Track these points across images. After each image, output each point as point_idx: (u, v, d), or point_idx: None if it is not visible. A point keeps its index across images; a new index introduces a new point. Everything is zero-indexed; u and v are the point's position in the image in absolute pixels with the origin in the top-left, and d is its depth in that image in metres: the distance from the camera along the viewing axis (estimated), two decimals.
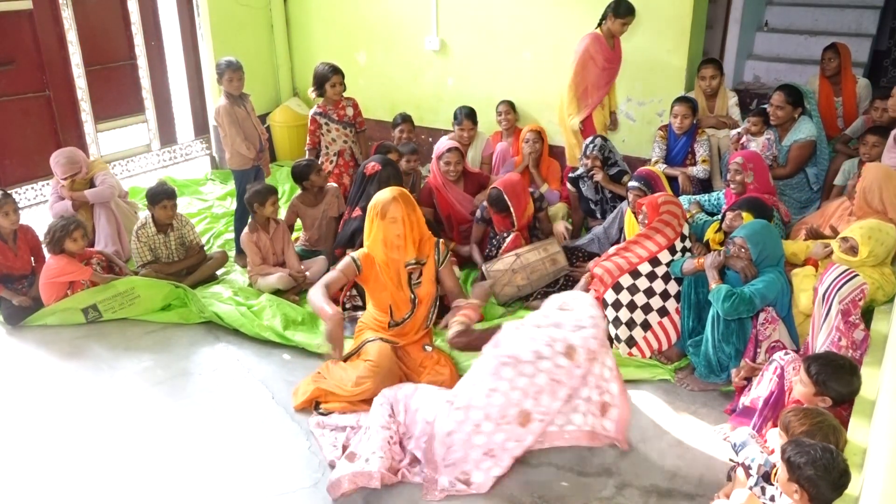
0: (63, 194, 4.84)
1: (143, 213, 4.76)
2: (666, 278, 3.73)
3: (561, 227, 4.62)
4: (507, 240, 4.38)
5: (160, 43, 6.33)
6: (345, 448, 3.10)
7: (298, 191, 4.94)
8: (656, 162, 5.00)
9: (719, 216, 4.20)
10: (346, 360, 3.57)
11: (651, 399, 3.46)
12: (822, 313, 3.08)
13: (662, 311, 3.73)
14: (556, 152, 5.57)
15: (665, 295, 3.73)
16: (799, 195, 4.82)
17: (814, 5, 7.01)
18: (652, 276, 3.72)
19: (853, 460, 2.38)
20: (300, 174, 4.80)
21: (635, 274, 3.72)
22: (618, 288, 3.73)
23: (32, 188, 5.55)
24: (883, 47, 7.31)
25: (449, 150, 4.85)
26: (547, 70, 5.71)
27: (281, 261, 4.63)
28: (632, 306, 3.72)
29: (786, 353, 2.98)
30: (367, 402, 3.35)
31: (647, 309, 3.72)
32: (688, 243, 3.83)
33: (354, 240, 4.23)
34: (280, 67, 7.08)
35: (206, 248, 5.04)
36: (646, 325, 3.72)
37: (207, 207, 5.96)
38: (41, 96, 5.51)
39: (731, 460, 2.83)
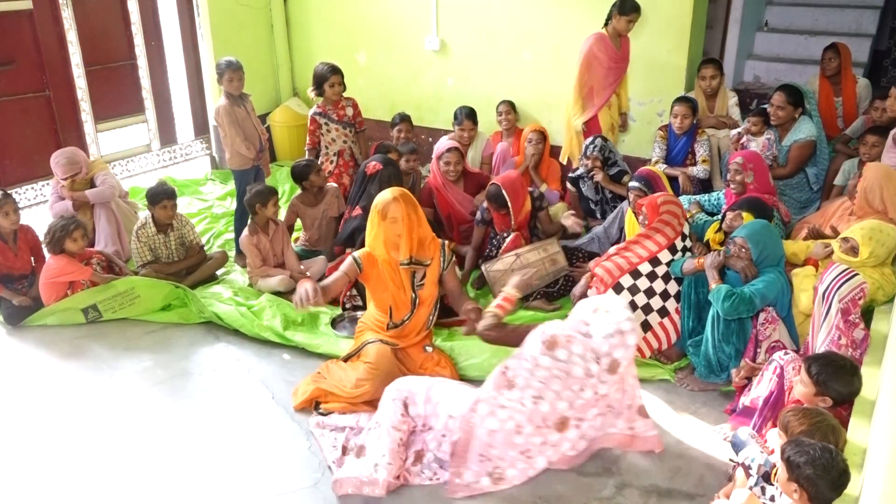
0: (63, 194, 4.84)
1: (143, 213, 4.76)
2: (666, 278, 3.73)
3: (570, 220, 4.57)
4: (507, 240, 4.38)
5: (160, 43, 6.33)
6: (344, 449, 3.10)
7: (298, 191, 4.94)
8: (656, 162, 5.00)
9: (719, 216, 4.20)
10: (345, 360, 3.57)
11: (651, 399, 3.46)
12: (822, 312, 3.08)
13: (663, 312, 3.73)
14: (557, 152, 5.57)
15: (665, 295, 3.73)
16: (799, 195, 4.82)
17: (814, 5, 7.01)
18: (652, 276, 3.72)
19: (853, 460, 2.37)
20: (300, 174, 4.80)
21: (636, 274, 3.72)
22: (618, 288, 3.73)
23: (32, 188, 5.55)
24: (883, 47, 7.31)
25: (449, 150, 4.85)
26: (547, 70, 5.71)
27: (281, 262, 4.63)
28: (632, 306, 3.72)
29: (785, 353, 2.98)
30: (367, 403, 3.36)
31: (647, 309, 3.72)
32: (688, 242, 3.83)
33: (354, 238, 4.23)
34: (280, 67, 7.09)
35: (206, 248, 5.04)
36: (646, 326, 3.72)
37: (207, 207, 5.96)
38: (41, 96, 5.52)
39: (731, 460, 2.84)
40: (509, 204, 4.31)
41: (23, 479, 3.03)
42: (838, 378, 2.61)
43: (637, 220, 4.05)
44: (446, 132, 5.70)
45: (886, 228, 3.52)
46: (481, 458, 2.89)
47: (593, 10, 5.34)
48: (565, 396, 2.86)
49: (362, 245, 4.18)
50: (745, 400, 3.13)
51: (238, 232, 4.93)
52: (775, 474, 2.39)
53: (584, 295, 3.92)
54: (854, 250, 3.48)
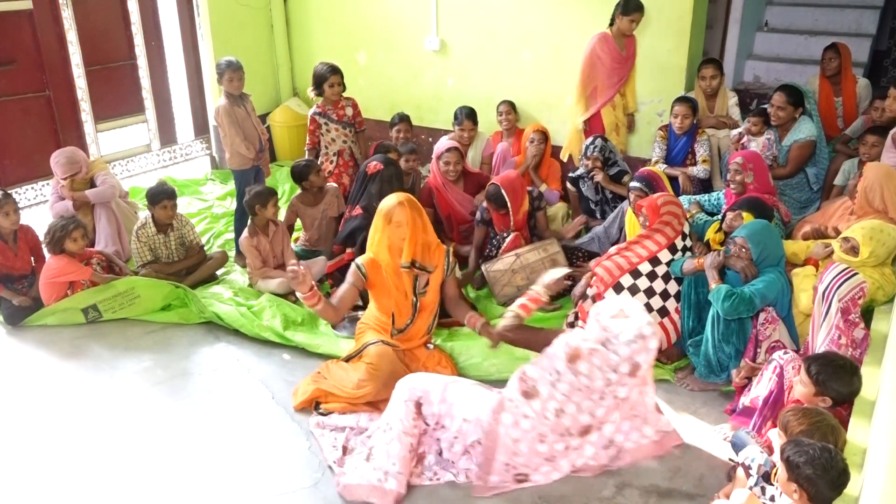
0: (63, 194, 4.84)
1: (143, 213, 4.76)
2: (666, 278, 3.73)
3: (574, 224, 4.57)
4: (507, 240, 4.38)
5: (160, 43, 6.33)
6: (345, 449, 3.10)
7: (298, 191, 4.94)
8: (656, 162, 5.01)
9: (719, 216, 4.20)
10: (347, 360, 3.57)
11: None
12: (821, 312, 3.08)
13: (662, 311, 3.73)
14: (558, 152, 5.58)
15: (665, 295, 3.73)
16: (799, 195, 4.82)
17: (814, 5, 7.01)
18: (652, 276, 3.72)
19: (853, 460, 2.37)
20: (299, 174, 4.80)
21: (636, 273, 3.72)
22: (618, 287, 3.73)
23: (32, 188, 5.55)
24: (883, 47, 7.31)
25: (448, 149, 4.86)
26: (547, 70, 5.71)
27: (281, 263, 4.62)
28: None
29: (785, 353, 2.98)
30: (368, 404, 3.36)
31: (647, 309, 3.71)
32: (688, 242, 3.83)
33: (354, 237, 4.23)
34: (280, 67, 7.09)
35: (206, 248, 5.04)
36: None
37: (207, 207, 5.96)
38: (41, 96, 5.52)
39: (731, 460, 2.84)
40: (508, 204, 4.31)
41: (23, 479, 3.03)
42: (838, 378, 2.62)
43: (638, 220, 4.05)
44: (446, 132, 5.70)
45: (887, 228, 3.52)
46: (507, 466, 2.89)
47: (593, 10, 5.35)
48: (586, 407, 2.87)
49: (363, 244, 4.19)
50: (744, 400, 3.13)
51: (238, 232, 4.93)
52: (775, 474, 2.39)
53: (584, 295, 3.93)
54: (854, 250, 3.48)
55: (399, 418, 2.91)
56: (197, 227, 5.24)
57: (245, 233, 4.53)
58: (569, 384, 2.84)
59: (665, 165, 4.95)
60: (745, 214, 3.80)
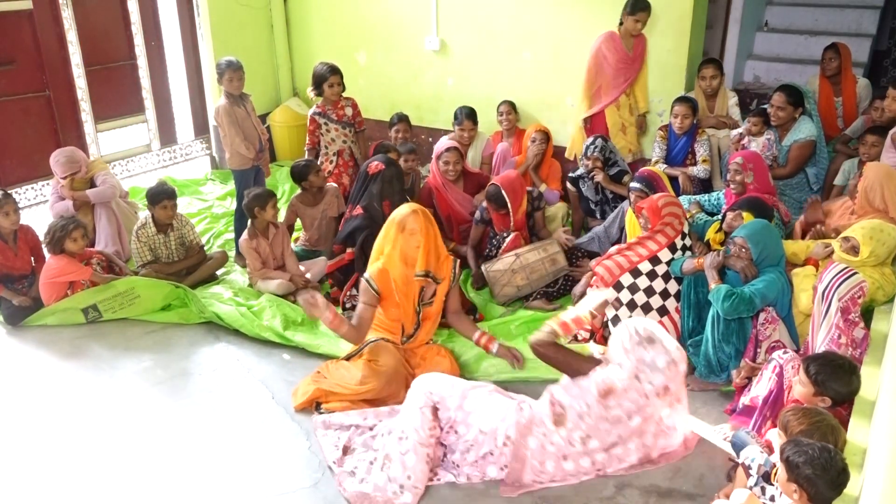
0: (64, 194, 4.85)
1: (143, 213, 4.76)
2: (666, 277, 3.73)
3: (562, 236, 4.58)
4: (507, 240, 4.38)
5: (160, 43, 6.33)
6: (345, 449, 3.08)
7: (298, 191, 4.94)
8: (656, 162, 5.01)
9: (719, 216, 4.20)
10: (348, 359, 3.57)
11: None
12: (821, 311, 3.08)
13: (662, 311, 3.73)
14: (558, 152, 5.58)
15: (665, 294, 3.73)
16: (799, 195, 4.81)
17: (814, 5, 7.02)
18: (652, 275, 3.72)
19: (853, 460, 2.37)
20: (299, 174, 4.80)
21: (636, 273, 3.73)
22: (618, 287, 3.74)
23: (32, 188, 5.55)
24: (883, 47, 7.32)
25: (448, 149, 4.86)
26: (547, 70, 5.71)
27: (281, 264, 4.62)
28: (632, 305, 3.73)
29: (784, 352, 2.98)
30: (370, 402, 3.35)
31: (647, 308, 3.72)
32: (688, 241, 3.83)
33: (354, 237, 4.22)
34: (280, 67, 7.09)
35: (206, 248, 5.04)
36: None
37: (207, 207, 5.96)
38: (41, 96, 5.52)
39: (731, 460, 2.84)
40: (508, 204, 4.31)
41: (23, 479, 3.03)
42: (836, 377, 2.61)
43: (638, 221, 4.05)
44: (446, 132, 5.70)
45: (887, 228, 3.52)
46: (534, 481, 2.88)
47: (594, 9, 5.36)
48: (615, 433, 2.88)
49: (363, 244, 4.19)
50: (744, 399, 3.13)
51: (238, 232, 4.93)
52: (775, 474, 2.39)
53: (584, 294, 3.93)
54: (854, 250, 3.48)
55: (415, 428, 2.86)
56: (197, 227, 5.24)
57: (245, 235, 4.52)
58: (597, 417, 2.84)
59: (665, 165, 4.95)
60: (745, 214, 3.81)
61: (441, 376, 3.07)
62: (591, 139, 4.97)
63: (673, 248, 3.74)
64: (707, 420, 3.30)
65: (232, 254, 5.00)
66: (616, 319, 3.75)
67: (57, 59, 5.55)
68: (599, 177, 4.83)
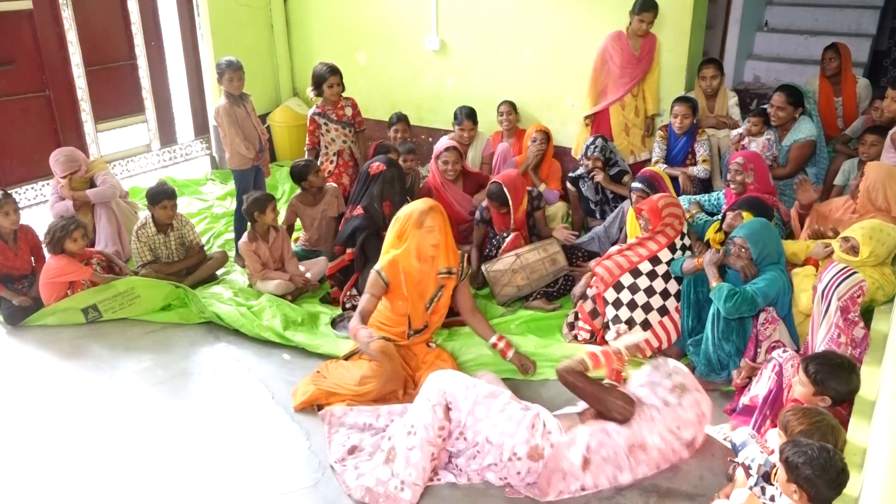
0: (64, 194, 4.84)
1: (143, 213, 4.76)
2: (666, 277, 3.73)
3: (563, 232, 4.60)
4: (507, 240, 4.38)
5: (160, 43, 6.33)
6: (353, 448, 3.06)
7: (298, 191, 4.93)
8: (657, 162, 5.01)
9: (719, 216, 4.20)
10: (347, 358, 3.56)
11: None
12: (821, 311, 3.08)
13: (662, 311, 3.73)
14: (559, 153, 5.58)
15: (665, 294, 3.73)
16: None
17: (814, 5, 7.02)
18: (652, 275, 3.72)
19: (853, 460, 2.37)
20: (298, 174, 4.79)
21: (636, 273, 3.73)
22: (618, 287, 3.74)
23: (32, 188, 5.55)
24: (883, 47, 7.31)
25: (447, 149, 4.86)
26: (547, 70, 5.71)
27: (280, 265, 4.61)
28: (632, 305, 3.73)
29: (784, 351, 2.99)
30: (369, 402, 3.34)
31: (647, 308, 3.72)
32: (687, 241, 3.83)
33: (355, 238, 4.22)
34: (280, 67, 7.09)
35: (206, 248, 5.03)
36: (646, 324, 3.72)
37: (207, 207, 5.96)
38: (41, 96, 5.52)
39: (731, 460, 2.83)
40: (510, 202, 4.31)
41: (23, 479, 3.03)
42: (836, 376, 2.61)
43: (638, 222, 4.05)
44: (446, 132, 5.70)
45: (887, 228, 3.52)
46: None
47: (594, 9, 5.36)
48: (640, 473, 2.88)
49: (363, 245, 4.19)
50: (744, 399, 3.13)
51: (238, 232, 4.93)
52: (775, 474, 2.39)
53: (583, 295, 3.93)
54: (854, 249, 3.48)
55: (424, 424, 2.83)
56: (197, 227, 5.23)
57: (244, 237, 4.52)
58: (622, 463, 2.83)
59: (665, 165, 4.95)
60: (744, 214, 3.81)
61: (458, 376, 3.00)
62: (591, 139, 4.97)
63: (673, 249, 3.75)
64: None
65: (232, 254, 5.00)
66: (616, 319, 3.75)
67: (57, 59, 5.55)
68: (599, 177, 4.83)
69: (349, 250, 4.28)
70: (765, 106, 4.87)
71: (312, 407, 3.41)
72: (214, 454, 3.15)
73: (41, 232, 4.41)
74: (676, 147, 4.98)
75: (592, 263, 3.97)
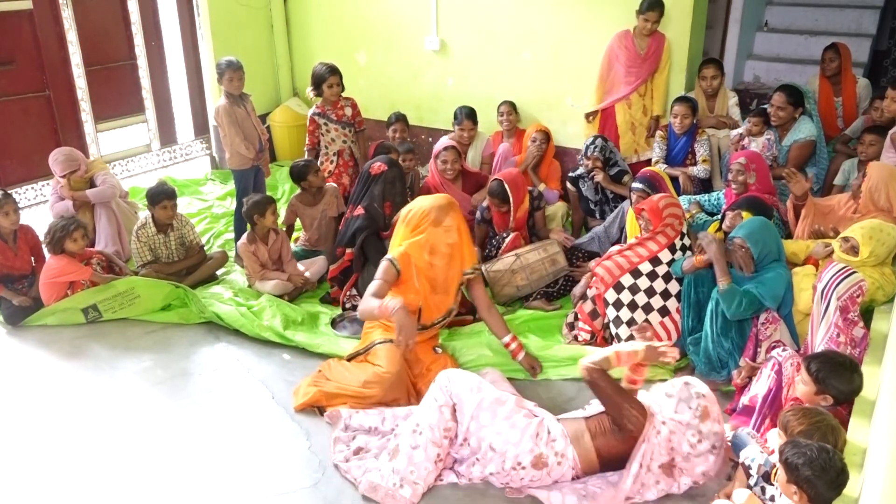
0: (64, 194, 4.84)
1: (143, 213, 4.76)
2: (666, 278, 3.73)
3: (560, 235, 4.61)
4: (507, 240, 4.38)
5: (160, 43, 6.33)
6: (358, 450, 3.05)
7: (298, 191, 4.93)
8: (657, 162, 5.01)
9: (719, 216, 4.20)
10: (350, 359, 3.55)
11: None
12: (820, 310, 3.08)
13: (663, 311, 3.73)
14: (559, 153, 5.58)
15: (665, 294, 3.73)
16: None
17: (814, 5, 7.02)
18: (653, 276, 3.72)
19: (853, 460, 2.37)
20: (298, 174, 4.79)
21: (636, 273, 3.73)
22: (619, 287, 3.74)
23: (32, 188, 5.55)
24: (883, 47, 7.31)
25: (445, 148, 4.87)
26: (547, 70, 5.71)
27: (280, 267, 4.60)
28: (633, 306, 3.73)
29: (784, 350, 2.99)
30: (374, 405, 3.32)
31: (647, 308, 3.72)
32: (687, 241, 3.83)
33: (356, 238, 4.22)
34: (280, 67, 7.09)
35: (206, 248, 5.03)
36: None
37: (207, 207, 5.96)
38: (41, 96, 5.52)
39: (731, 460, 2.83)
40: (511, 199, 4.31)
41: (23, 479, 3.03)
42: (837, 375, 2.61)
43: (638, 223, 4.05)
44: (446, 132, 5.70)
45: (887, 228, 3.52)
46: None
47: (594, 9, 5.36)
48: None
49: (363, 245, 4.19)
50: (744, 399, 3.13)
51: (238, 232, 4.93)
52: (775, 474, 2.39)
53: (583, 295, 3.93)
54: (854, 250, 3.48)
55: (430, 425, 2.82)
56: (197, 227, 5.23)
57: (244, 238, 4.51)
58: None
59: (665, 165, 4.95)
60: (744, 214, 3.80)
61: (467, 377, 2.95)
62: (590, 139, 4.97)
63: (673, 249, 3.74)
64: None
65: (232, 254, 5.00)
66: (618, 320, 3.75)
67: (57, 59, 5.55)
68: (599, 177, 4.83)
69: (349, 251, 4.28)
70: (765, 106, 4.87)
71: (313, 408, 3.41)
72: (214, 454, 3.15)
73: (41, 232, 4.41)
74: (676, 147, 4.98)
75: (592, 264, 3.97)
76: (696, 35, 5.34)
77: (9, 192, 4.44)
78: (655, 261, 3.73)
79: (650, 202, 3.84)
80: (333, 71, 4.95)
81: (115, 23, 5.96)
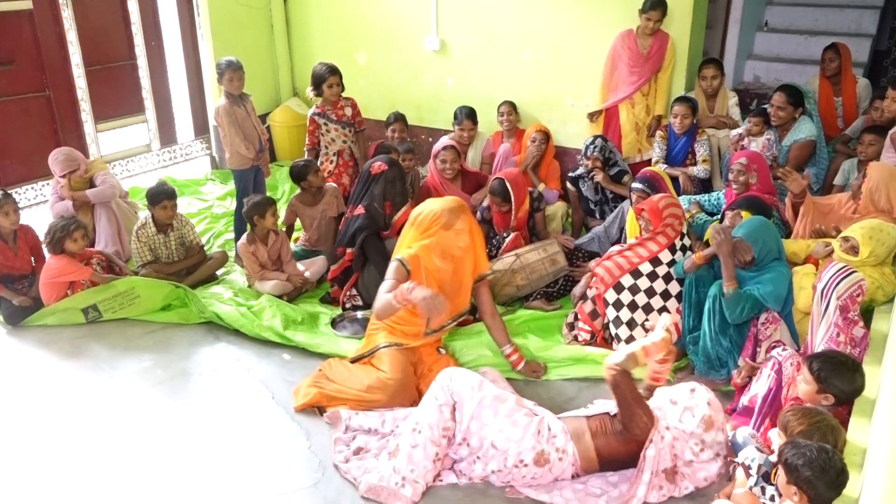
0: (63, 194, 4.84)
1: (143, 213, 4.76)
2: (667, 278, 3.73)
3: (560, 238, 4.61)
4: (507, 240, 4.38)
5: (160, 43, 6.33)
6: (358, 450, 3.05)
7: (298, 191, 4.93)
8: (657, 162, 5.01)
9: (719, 216, 4.20)
10: (353, 361, 3.53)
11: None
12: (820, 310, 3.08)
13: (663, 311, 3.73)
14: (559, 153, 5.58)
15: (666, 295, 3.73)
16: None
17: (814, 5, 7.02)
18: (653, 276, 3.72)
19: (853, 460, 2.37)
20: (298, 174, 4.79)
21: (636, 273, 3.72)
22: (619, 287, 3.74)
23: (32, 188, 5.55)
24: (883, 47, 7.32)
25: (444, 147, 4.88)
26: (547, 70, 5.71)
27: (279, 267, 4.59)
28: (633, 306, 3.72)
29: (783, 349, 2.99)
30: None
31: (647, 309, 3.72)
32: (687, 241, 3.83)
33: (356, 238, 4.22)
34: (280, 67, 7.09)
35: (206, 248, 5.03)
36: (647, 325, 3.72)
37: (207, 207, 5.96)
38: (41, 96, 5.52)
39: (731, 460, 2.83)
40: (512, 197, 4.31)
41: (23, 478, 3.03)
42: (839, 374, 2.61)
43: (638, 223, 4.05)
44: (446, 132, 5.70)
45: (887, 228, 3.52)
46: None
47: (594, 9, 5.36)
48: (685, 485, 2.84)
49: (362, 245, 4.19)
50: (744, 399, 3.13)
51: (238, 232, 4.93)
52: (775, 474, 2.39)
53: (583, 295, 3.93)
54: (854, 249, 3.49)
55: (430, 424, 2.82)
56: (197, 227, 5.23)
57: (243, 239, 4.51)
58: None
59: (665, 165, 4.95)
60: (743, 213, 3.81)
61: (467, 376, 2.93)
62: (590, 139, 4.97)
63: (673, 249, 3.74)
64: None
65: (232, 254, 5.00)
66: (618, 321, 3.75)
67: (57, 59, 5.55)
68: (599, 177, 4.83)
69: (349, 250, 4.28)
70: (765, 106, 4.87)
71: (313, 408, 3.40)
72: (214, 454, 3.15)
73: (41, 232, 4.41)
74: (676, 147, 4.98)
75: (592, 264, 3.96)
76: (696, 35, 5.34)
77: (9, 192, 4.44)
78: (656, 261, 3.73)
79: (650, 202, 3.84)
80: (333, 71, 4.95)
81: (115, 23, 5.96)
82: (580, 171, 4.99)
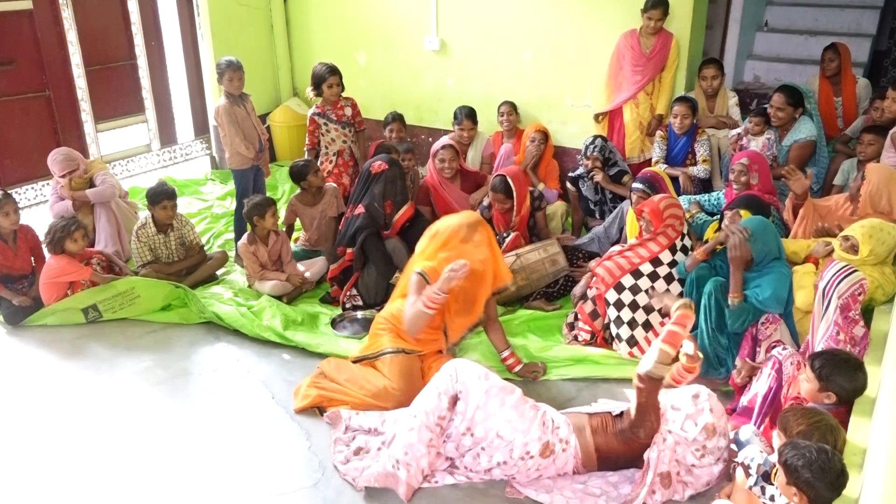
0: (63, 194, 4.84)
1: (143, 213, 4.76)
2: (668, 279, 3.73)
3: (563, 236, 4.63)
4: (507, 240, 4.38)
5: (160, 43, 6.33)
6: (358, 450, 3.05)
7: (298, 190, 4.93)
8: (657, 162, 5.01)
9: (719, 216, 4.20)
10: (356, 362, 3.52)
11: None
12: (821, 309, 3.08)
13: (664, 312, 3.73)
14: (558, 153, 5.58)
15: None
16: None
17: (814, 5, 7.02)
18: (654, 276, 3.72)
19: (853, 460, 2.37)
20: (298, 174, 4.79)
21: (637, 274, 3.72)
22: (619, 288, 3.74)
23: (32, 188, 5.55)
24: (883, 47, 7.32)
25: (443, 147, 4.88)
26: (547, 70, 5.71)
27: (279, 267, 4.59)
28: (633, 306, 3.72)
29: (784, 349, 2.99)
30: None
31: (648, 309, 3.72)
32: (688, 241, 3.83)
33: (356, 238, 4.22)
34: (280, 67, 7.09)
35: (206, 248, 5.03)
36: (647, 325, 3.72)
37: (207, 207, 5.96)
38: (41, 96, 5.52)
39: (730, 460, 2.83)
40: (514, 194, 4.31)
41: (23, 478, 3.03)
42: (841, 372, 2.60)
43: (639, 223, 4.05)
44: (446, 132, 5.70)
45: (887, 227, 3.52)
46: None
47: (594, 10, 5.36)
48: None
49: (363, 244, 4.19)
50: (744, 399, 3.13)
51: (238, 232, 4.93)
52: (775, 474, 2.39)
53: (584, 295, 3.93)
54: (854, 248, 3.49)
55: (426, 410, 2.81)
56: (197, 227, 5.23)
57: (244, 239, 4.51)
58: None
59: (665, 165, 4.95)
60: (742, 212, 3.80)
61: (473, 366, 2.89)
62: (590, 139, 4.97)
63: (673, 249, 3.74)
64: None
65: (232, 254, 5.00)
66: (618, 321, 3.75)
67: (57, 59, 5.55)
68: (599, 177, 4.83)
69: (349, 250, 4.28)
70: (765, 106, 4.87)
71: (313, 408, 3.40)
72: (214, 454, 3.15)
73: (41, 232, 4.41)
74: (676, 147, 4.98)
75: (593, 264, 3.97)
76: (697, 35, 5.34)
77: (9, 192, 4.44)
78: (656, 261, 3.73)
79: (651, 203, 3.84)
80: (333, 71, 4.95)
81: (115, 23, 5.96)
82: (580, 171, 4.99)
